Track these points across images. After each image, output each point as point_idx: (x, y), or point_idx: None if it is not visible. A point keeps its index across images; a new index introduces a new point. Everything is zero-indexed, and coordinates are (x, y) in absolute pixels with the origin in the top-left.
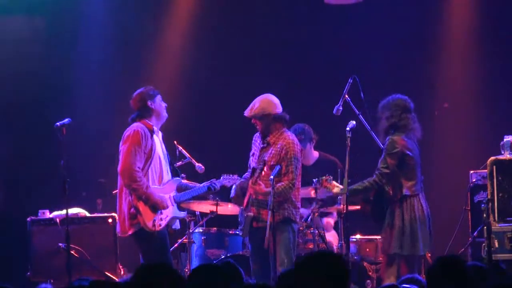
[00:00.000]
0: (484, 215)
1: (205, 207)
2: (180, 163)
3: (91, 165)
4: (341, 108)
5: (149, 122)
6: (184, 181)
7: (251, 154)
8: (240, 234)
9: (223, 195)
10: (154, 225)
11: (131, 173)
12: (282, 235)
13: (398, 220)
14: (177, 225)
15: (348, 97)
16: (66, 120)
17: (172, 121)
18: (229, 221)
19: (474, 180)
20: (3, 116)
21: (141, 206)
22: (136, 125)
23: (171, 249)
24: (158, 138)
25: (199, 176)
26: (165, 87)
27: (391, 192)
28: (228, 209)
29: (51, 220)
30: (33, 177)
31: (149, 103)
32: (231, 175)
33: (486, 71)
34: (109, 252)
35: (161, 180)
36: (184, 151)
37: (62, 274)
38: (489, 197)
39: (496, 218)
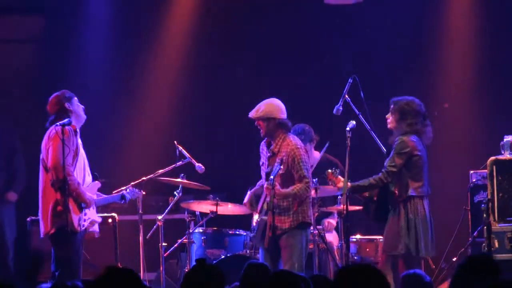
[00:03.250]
0: (484, 215)
1: (205, 207)
2: (180, 163)
3: (91, 165)
4: (341, 108)
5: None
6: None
7: (260, 163)
8: (253, 240)
9: (223, 195)
10: (79, 225)
11: (64, 167)
12: (296, 239)
13: (403, 220)
14: (95, 228)
15: (348, 97)
16: (66, 120)
17: (172, 121)
18: (229, 221)
19: (474, 180)
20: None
21: (71, 203)
22: (58, 125)
23: (171, 249)
24: (79, 139)
25: (199, 176)
26: (165, 87)
27: (396, 192)
28: (228, 209)
29: None
30: (33, 177)
31: (66, 105)
32: (135, 189)
33: (486, 71)
34: (109, 252)
35: (83, 182)
36: (184, 151)
37: None
38: (489, 197)
39: (496, 218)
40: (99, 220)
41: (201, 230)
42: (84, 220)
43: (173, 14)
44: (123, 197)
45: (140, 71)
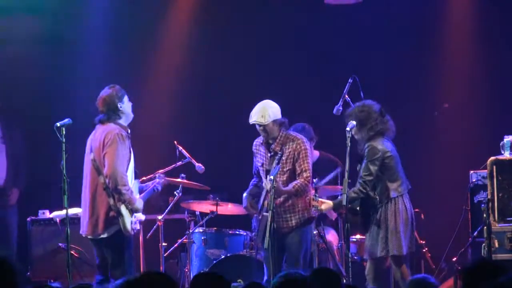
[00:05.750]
0: (484, 215)
1: (205, 207)
2: (180, 163)
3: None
4: (341, 108)
5: (122, 123)
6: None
7: (258, 164)
8: (256, 239)
9: (223, 195)
10: (132, 229)
11: (121, 177)
12: (302, 236)
13: (383, 223)
14: (137, 226)
15: (348, 97)
16: (66, 120)
17: (172, 121)
18: (229, 221)
19: (474, 180)
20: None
21: (123, 209)
22: (115, 127)
23: (171, 249)
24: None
25: (199, 176)
26: (165, 87)
27: (377, 197)
28: (228, 209)
29: (51, 220)
30: (33, 177)
31: (119, 105)
32: (160, 175)
33: (486, 71)
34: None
35: (130, 182)
36: (184, 151)
37: (62, 274)
38: (489, 197)
39: (496, 218)
40: (143, 218)
41: (201, 230)
42: (135, 223)
43: (173, 14)
44: (155, 189)
45: (140, 71)
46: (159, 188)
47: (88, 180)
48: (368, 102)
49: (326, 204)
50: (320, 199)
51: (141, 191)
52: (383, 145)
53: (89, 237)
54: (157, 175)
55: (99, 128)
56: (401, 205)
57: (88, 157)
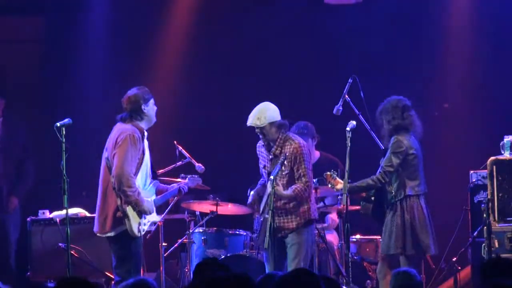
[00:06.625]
0: (484, 215)
1: (205, 207)
2: (180, 163)
3: (91, 165)
4: (341, 108)
5: (140, 125)
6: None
7: (261, 166)
8: (257, 241)
9: (223, 195)
10: (139, 231)
11: (127, 179)
12: (302, 237)
13: (399, 220)
14: (151, 227)
15: (348, 97)
16: (66, 120)
17: (172, 121)
18: (229, 221)
19: (474, 180)
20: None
21: (129, 210)
22: (129, 128)
23: (171, 249)
24: (146, 141)
25: (199, 176)
26: (166, 87)
27: (393, 191)
28: (228, 209)
29: (51, 220)
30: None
31: (143, 106)
32: (195, 176)
33: (486, 70)
34: (109, 252)
35: (145, 184)
36: (184, 151)
37: (62, 274)
38: (489, 197)
39: (496, 218)
40: (158, 219)
41: (201, 230)
42: (144, 224)
43: (173, 14)
44: (180, 191)
45: (139, 71)
46: (186, 189)
47: (101, 178)
48: (396, 97)
49: (341, 185)
50: (337, 179)
51: (162, 190)
52: (409, 141)
53: (98, 234)
54: (188, 176)
55: (117, 126)
56: (417, 205)
57: (104, 155)
